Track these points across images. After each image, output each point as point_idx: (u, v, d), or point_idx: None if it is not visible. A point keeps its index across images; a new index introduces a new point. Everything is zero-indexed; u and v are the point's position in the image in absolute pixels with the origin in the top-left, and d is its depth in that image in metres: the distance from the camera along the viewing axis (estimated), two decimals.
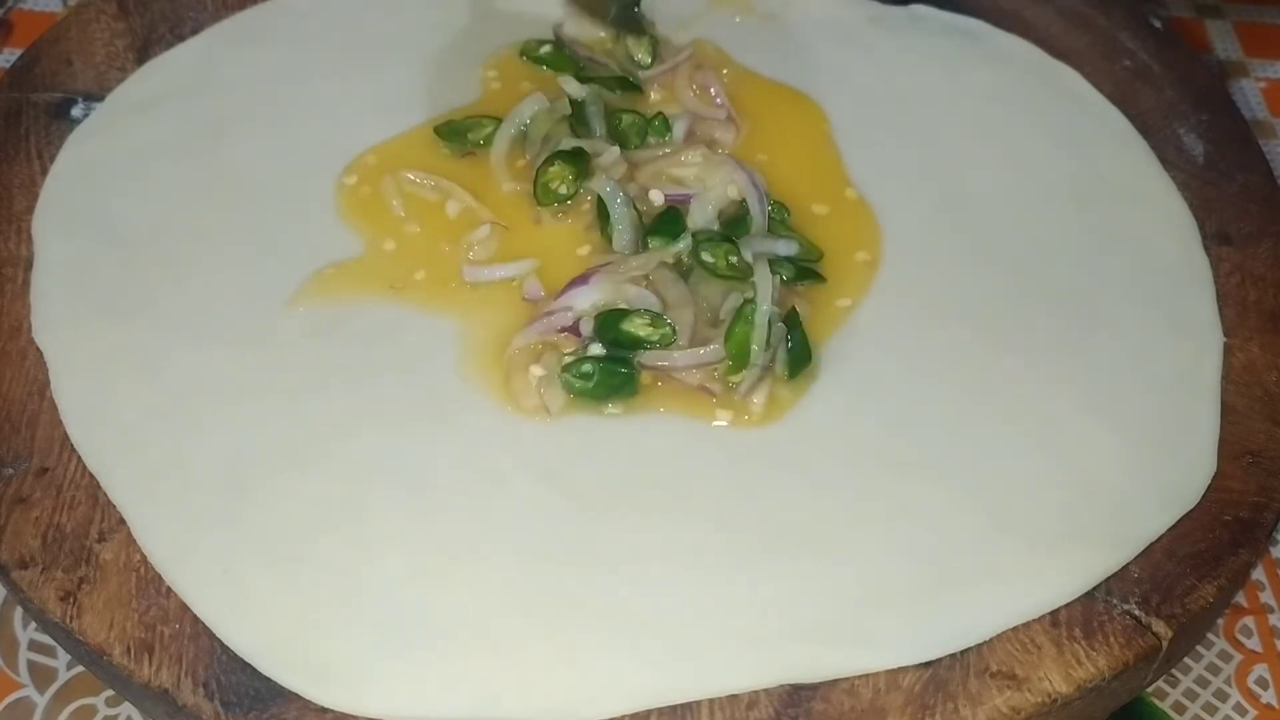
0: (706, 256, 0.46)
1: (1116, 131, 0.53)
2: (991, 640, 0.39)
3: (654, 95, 0.53)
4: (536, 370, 0.44)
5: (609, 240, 0.47)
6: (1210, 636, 0.46)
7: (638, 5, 0.55)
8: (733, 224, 0.48)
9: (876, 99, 0.54)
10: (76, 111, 0.53)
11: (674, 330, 0.44)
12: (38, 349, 0.45)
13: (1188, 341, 0.46)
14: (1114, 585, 0.40)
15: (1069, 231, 0.50)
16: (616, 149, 0.49)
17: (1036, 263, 0.49)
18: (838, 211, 0.50)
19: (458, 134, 0.51)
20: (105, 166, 0.50)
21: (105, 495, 0.42)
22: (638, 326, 0.44)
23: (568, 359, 0.44)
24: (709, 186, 0.49)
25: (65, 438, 0.43)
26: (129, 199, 0.49)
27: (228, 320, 0.46)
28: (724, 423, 0.44)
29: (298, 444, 0.43)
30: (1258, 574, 0.47)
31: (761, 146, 0.52)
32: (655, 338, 0.44)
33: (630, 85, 0.53)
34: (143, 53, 0.55)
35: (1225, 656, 0.45)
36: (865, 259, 0.48)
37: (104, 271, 0.47)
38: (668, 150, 0.50)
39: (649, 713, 0.38)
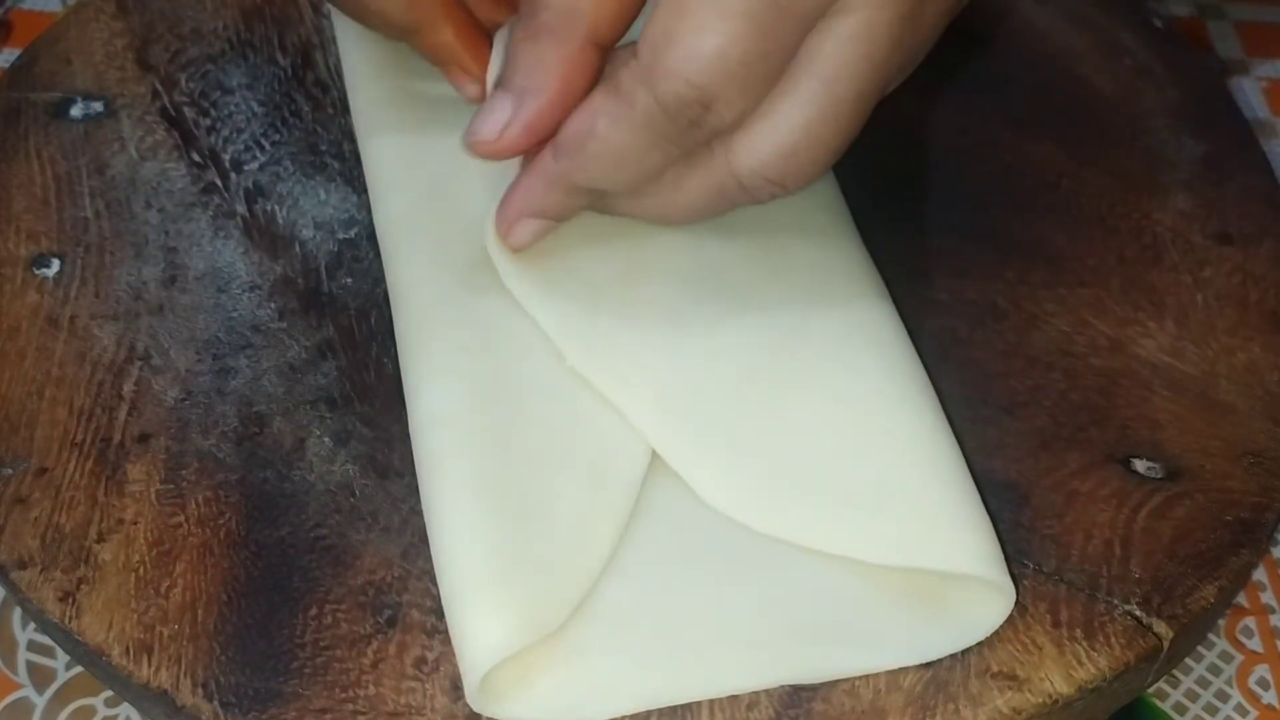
0: None
1: None
2: (992, 641, 0.39)
3: None
4: None
5: None
6: (1211, 637, 0.46)
7: None
8: None
9: None
10: (75, 111, 0.53)
11: None
12: (37, 348, 0.45)
13: None
14: (1115, 586, 0.40)
15: None
16: None
17: None
18: None
19: None
20: None
21: (104, 495, 0.42)
22: None
23: None
24: None
25: (64, 437, 0.43)
26: None
27: None
28: None
29: None
30: (1259, 574, 0.47)
31: None
32: None
33: None
34: (142, 52, 0.55)
35: (1226, 657, 0.45)
36: None
37: None
38: None
39: (649, 713, 0.38)
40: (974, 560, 0.38)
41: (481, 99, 0.43)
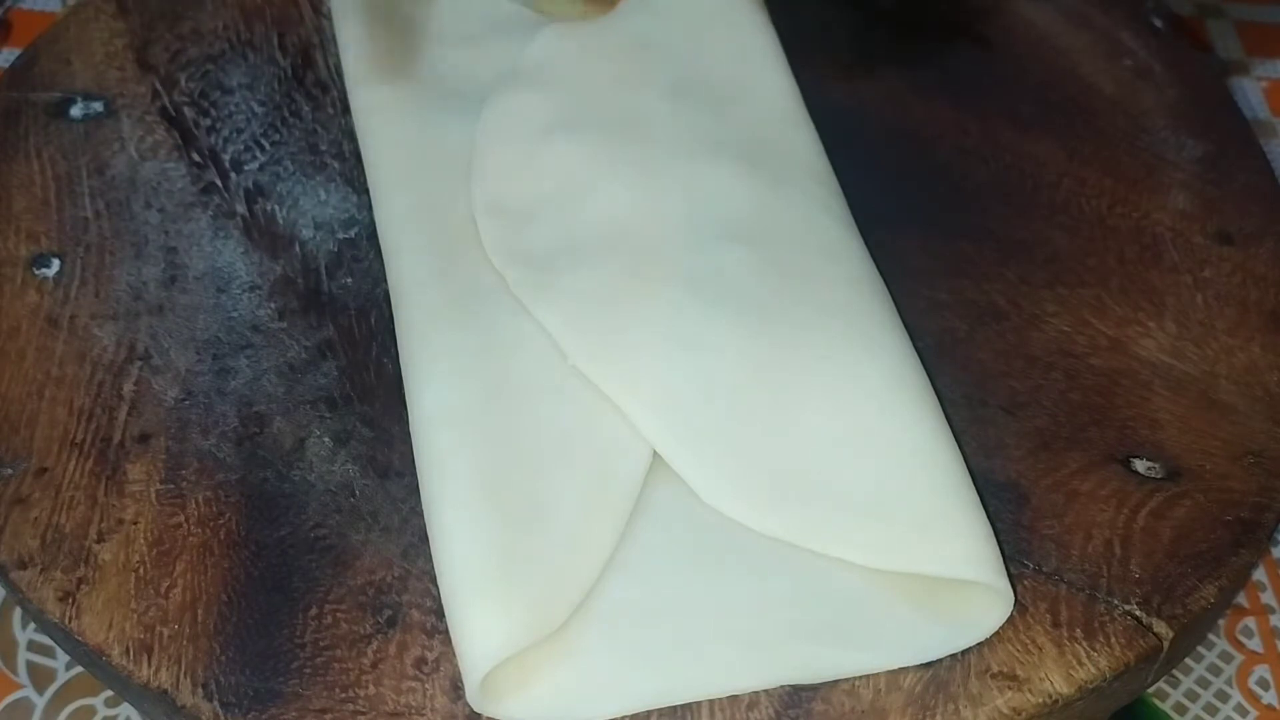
0: None
1: None
2: (992, 641, 0.39)
3: None
4: None
5: None
6: (1211, 637, 0.46)
7: None
8: None
9: None
10: (75, 111, 0.53)
11: None
12: (37, 348, 0.45)
13: None
14: (1115, 586, 0.40)
15: None
16: None
17: None
18: None
19: None
20: None
21: (104, 495, 0.42)
22: None
23: None
24: None
25: (64, 437, 0.43)
26: None
27: None
28: None
29: None
30: (1259, 574, 0.47)
31: None
32: None
33: None
34: (142, 52, 0.55)
35: (1226, 657, 0.45)
36: None
37: None
38: None
39: (649, 713, 0.38)
40: (972, 565, 0.38)
41: None
